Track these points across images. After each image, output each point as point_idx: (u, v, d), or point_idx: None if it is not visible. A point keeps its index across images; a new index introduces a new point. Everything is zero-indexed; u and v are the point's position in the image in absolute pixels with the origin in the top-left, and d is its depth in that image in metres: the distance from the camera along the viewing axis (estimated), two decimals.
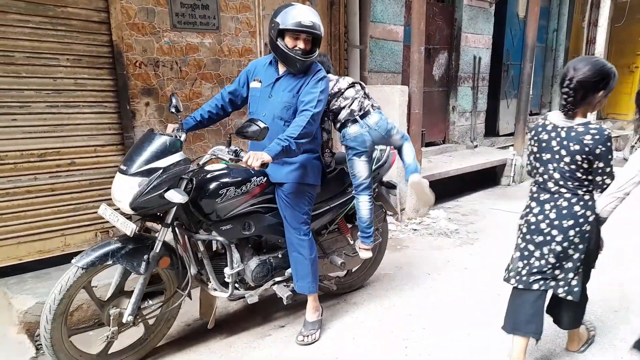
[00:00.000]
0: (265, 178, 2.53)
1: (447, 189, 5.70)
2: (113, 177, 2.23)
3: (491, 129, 8.00)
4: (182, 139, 2.29)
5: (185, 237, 2.46)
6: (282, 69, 2.49)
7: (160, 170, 2.11)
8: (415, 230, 4.70)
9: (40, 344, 2.48)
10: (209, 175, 2.39)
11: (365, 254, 2.99)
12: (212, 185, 2.33)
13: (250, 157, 2.13)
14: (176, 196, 2.11)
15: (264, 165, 2.15)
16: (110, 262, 2.14)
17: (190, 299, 2.49)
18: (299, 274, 2.63)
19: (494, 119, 8.01)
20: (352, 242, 3.06)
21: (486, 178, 6.54)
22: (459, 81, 7.07)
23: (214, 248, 2.58)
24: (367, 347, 2.63)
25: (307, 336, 2.65)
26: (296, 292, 2.69)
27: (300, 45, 2.35)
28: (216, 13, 3.90)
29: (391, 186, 3.28)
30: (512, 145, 6.93)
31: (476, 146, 7.27)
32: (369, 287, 3.39)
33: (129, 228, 2.11)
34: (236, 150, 2.23)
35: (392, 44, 5.74)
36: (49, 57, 3.10)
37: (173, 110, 2.43)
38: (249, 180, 2.44)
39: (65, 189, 3.25)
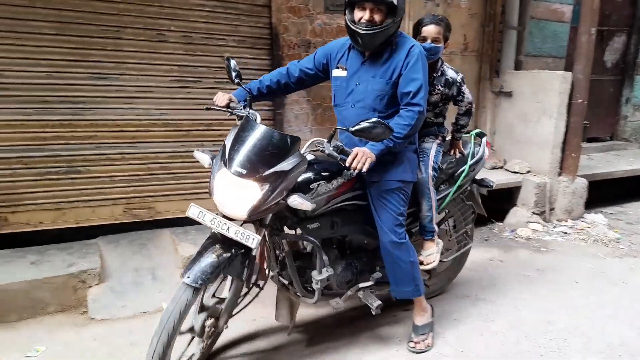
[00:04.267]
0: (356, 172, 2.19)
1: (610, 192, 4.98)
2: None
3: None
4: (257, 119, 2.03)
5: (266, 234, 2.14)
6: (368, 51, 2.17)
7: (284, 175, 1.85)
8: (566, 233, 4.22)
9: None
10: None
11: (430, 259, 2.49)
12: (303, 179, 2.03)
13: (358, 157, 1.91)
14: (304, 203, 1.87)
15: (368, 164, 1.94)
16: (222, 275, 1.91)
17: (262, 289, 2.26)
18: (399, 280, 2.34)
19: None
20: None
21: None
22: (637, 69, 6.05)
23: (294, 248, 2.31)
24: (496, 353, 2.44)
25: (418, 342, 2.39)
26: (396, 298, 2.45)
27: (365, 16, 2.02)
28: None
29: (486, 185, 2.88)
30: None
31: None
32: (499, 286, 3.16)
33: (252, 240, 1.81)
34: (342, 147, 1.95)
35: (556, 25, 5.14)
36: (219, 38, 3.49)
37: (237, 80, 2.15)
38: (339, 174, 2.16)
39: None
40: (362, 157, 1.90)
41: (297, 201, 1.86)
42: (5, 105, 2.94)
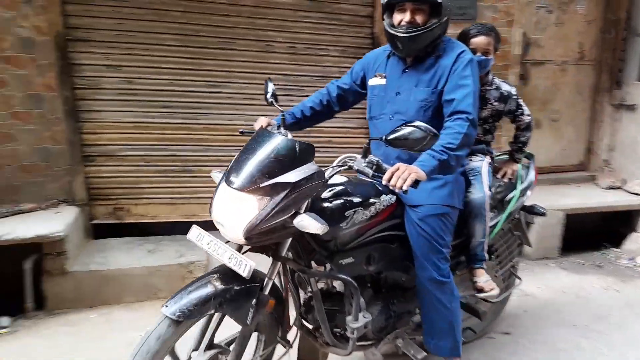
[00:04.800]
0: (395, 197, 1.89)
1: None
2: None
3: None
4: (288, 136, 1.76)
5: (288, 270, 1.83)
6: (410, 58, 1.93)
7: (289, 188, 1.50)
8: None
9: None
10: (329, 192, 1.75)
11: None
12: (336, 205, 1.70)
13: (398, 172, 1.54)
14: (312, 224, 1.47)
15: (415, 184, 1.55)
16: (212, 310, 1.51)
17: (291, 346, 1.83)
18: (435, 329, 1.97)
19: None
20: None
21: None
22: None
23: (321, 286, 1.94)
24: None
25: None
26: (430, 352, 2.05)
27: (406, 18, 1.79)
28: (474, 2, 3.81)
29: (537, 213, 2.51)
30: None
31: None
32: (615, 318, 2.83)
33: (244, 267, 1.47)
34: (377, 162, 1.60)
35: None
36: (322, 48, 3.61)
37: (272, 99, 2.00)
38: (378, 199, 1.82)
39: (322, 162, 3.73)
40: (404, 172, 1.53)
41: (304, 222, 1.47)
42: (134, 109, 3.30)
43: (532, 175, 2.50)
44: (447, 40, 1.91)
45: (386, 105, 1.95)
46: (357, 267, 1.81)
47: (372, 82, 2.02)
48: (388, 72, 1.97)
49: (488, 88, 2.29)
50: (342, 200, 1.72)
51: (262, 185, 1.48)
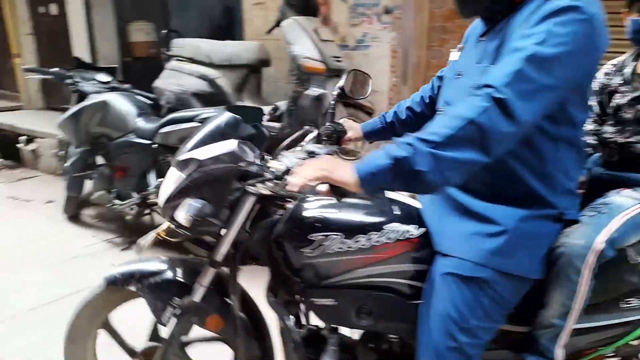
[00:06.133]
0: (422, 231, 1.22)
1: None
2: None
3: None
4: (346, 134, 1.47)
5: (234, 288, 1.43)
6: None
7: (195, 166, 1.21)
8: None
9: None
10: (313, 201, 1.31)
11: None
12: (302, 221, 1.26)
13: (299, 171, 1.03)
14: (180, 211, 1.18)
15: (337, 192, 1.02)
16: (133, 288, 1.37)
17: None
18: None
19: None
20: None
21: None
22: None
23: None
24: None
25: None
26: None
27: None
28: None
29: None
30: None
31: None
32: None
33: (139, 244, 1.38)
34: (313, 152, 1.25)
35: None
36: None
37: (334, 93, 1.53)
38: (381, 225, 1.21)
39: None
40: (302, 171, 1.03)
41: (180, 207, 1.18)
42: None
43: None
44: None
45: (447, 92, 1.30)
46: (341, 315, 1.29)
47: (451, 58, 1.37)
48: (468, 43, 1.31)
49: None
50: (312, 217, 1.26)
51: (180, 158, 1.24)
